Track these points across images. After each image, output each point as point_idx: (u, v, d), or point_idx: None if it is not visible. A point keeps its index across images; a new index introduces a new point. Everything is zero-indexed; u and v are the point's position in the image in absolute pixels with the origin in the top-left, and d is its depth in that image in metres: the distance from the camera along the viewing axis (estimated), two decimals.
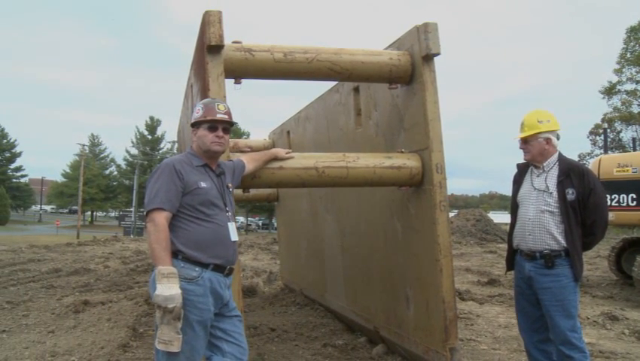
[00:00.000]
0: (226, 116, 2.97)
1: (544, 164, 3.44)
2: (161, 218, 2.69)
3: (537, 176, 3.46)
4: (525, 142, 3.46)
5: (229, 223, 2.90)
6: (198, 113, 2.97)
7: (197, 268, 2.73)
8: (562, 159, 3.43)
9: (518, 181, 3.62)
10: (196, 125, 2.97)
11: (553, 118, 3.45)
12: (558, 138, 3.46)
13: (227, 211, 2.93)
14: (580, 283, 3.38)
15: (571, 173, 3.33)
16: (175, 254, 2.72)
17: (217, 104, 2.97)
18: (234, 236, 2.92)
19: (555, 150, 3.45)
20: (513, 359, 4.87)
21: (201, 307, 2.72)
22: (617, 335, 5.84)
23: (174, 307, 2.56)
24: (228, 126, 3.00)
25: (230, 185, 3.09)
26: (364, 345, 5.14)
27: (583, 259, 3.40)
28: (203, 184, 2.85)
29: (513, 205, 3.64)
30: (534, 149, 3.43)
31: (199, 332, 2.74)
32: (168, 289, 2.56)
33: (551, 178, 3.38)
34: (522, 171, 3.62)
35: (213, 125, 2.93)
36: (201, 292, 2.72)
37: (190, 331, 2.69)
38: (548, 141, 3.40)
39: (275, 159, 3.67)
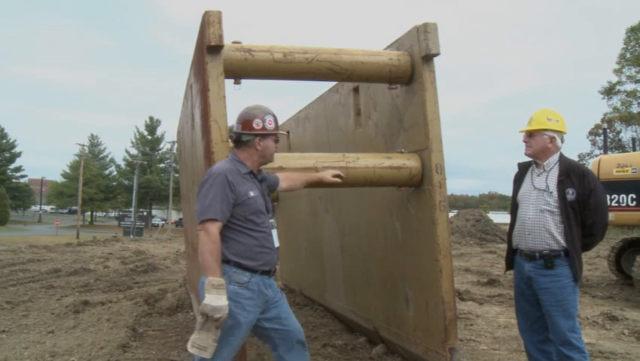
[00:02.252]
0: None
1: (545, 163, 3.42)
2: (214, 229, 2.76)
3: (538, 175, 3.44)
4: (529, 135, 3.44)
5: (273, 230, 3.04)
6: (270, 124, 3.00)
7: (247, 274, 2.87)
8: (562, 160, 3.41)
9: (518, 181, 3.61)
10: (265, 136, 2.99)
11: (562, 120, 3.44)
12: (562, 142, 3.44)
13: (271, 218, 3.06)
14: (579, 283, 3.37)
15: (572, 173, 3.31)
16: (227, 261, 2.85)
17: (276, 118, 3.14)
18: (277, 242, 3.06)
19: (557, 150, 3.43)
20: (512, 359, 4.86)
21: (249, 309, 2.87)
22: (617, 335, 5.84)
23: (220, 318, 2.66)
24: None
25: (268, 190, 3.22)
26: (364, 345, 5.14)
27: (582, 259, 3.39)
28: (252, 193, 2.92)
29: (512, 205, 3.63)
30: (537, 144, 3.41)
31: (245, 332, 2.91)
32: (217, 299, 2.65)
33: (551, 178, 3.36)
34: (522, 170, 3.61)
35: (277, 138, 3.10)
36: (250, 295, 2.87)
37: (238, 331, 2.84)
38: (552, 139, 3.39)
39: (321, 182, 3.67)
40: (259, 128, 2.97)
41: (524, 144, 3.51)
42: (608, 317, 6.51)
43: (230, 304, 2.74)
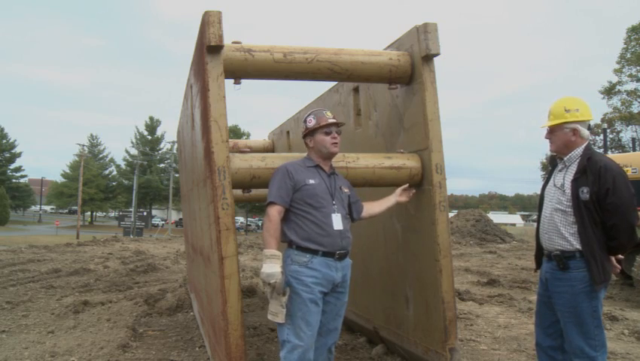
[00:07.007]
0: (334, 120, 3.46)
1: (565, 158, 3.18)
2: (273, 211, 3.19)
3: (560, 171, 3.23)
4: (550, 132, 3.22)
5: (333, 215, 3.30)
6: (311, 122, 3.45)
7: (307, 255, 3.20)
8: (585, 154, 3.11)
9: (548, 174, 3.40)
10: (311, 133, 3.44)
11: (583, 107, 3.15)
12: (589, 129, 3.17)
13: (334, 204, 3.33)
14: (601, 288, 3.03)
15: (588, 170, 3.03)
16: (290, 244, 3.25)
17: (325, 112, 3.49)
18: (338, 225, 3.29)
19: (582, 142, 3.15)
20: (512, 359, 4.86)
21: (311, 285, 3.16)
22: (617, 335, 5.84)
23: (275, 283, 2.99)
24: (337, 128, 3.47)
25: (343, 188, 3.48)
26: (364, 345, 5.14)
27: (605, 263, 3.04)
28: (311, 181, 3.30)
29: (539, 200, 3.41)
30: (559, 140, 3.17)
31: (312, 308, 3.16)
32: (270, 267, 3.00)
33: (569, 175, 3.13)
34: (553, 163, 3.37)
35: (328, 129, 3.40)
36: (311, 273, 3.18)
37: (304, 307, 3.13)
38: (575, 132, 3.12)
39: (397, 204, 3.88)
40: (304, 130, 3.50)
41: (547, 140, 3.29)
42: (608, 317, 6.51)
43: (293, 282, 3.13)
